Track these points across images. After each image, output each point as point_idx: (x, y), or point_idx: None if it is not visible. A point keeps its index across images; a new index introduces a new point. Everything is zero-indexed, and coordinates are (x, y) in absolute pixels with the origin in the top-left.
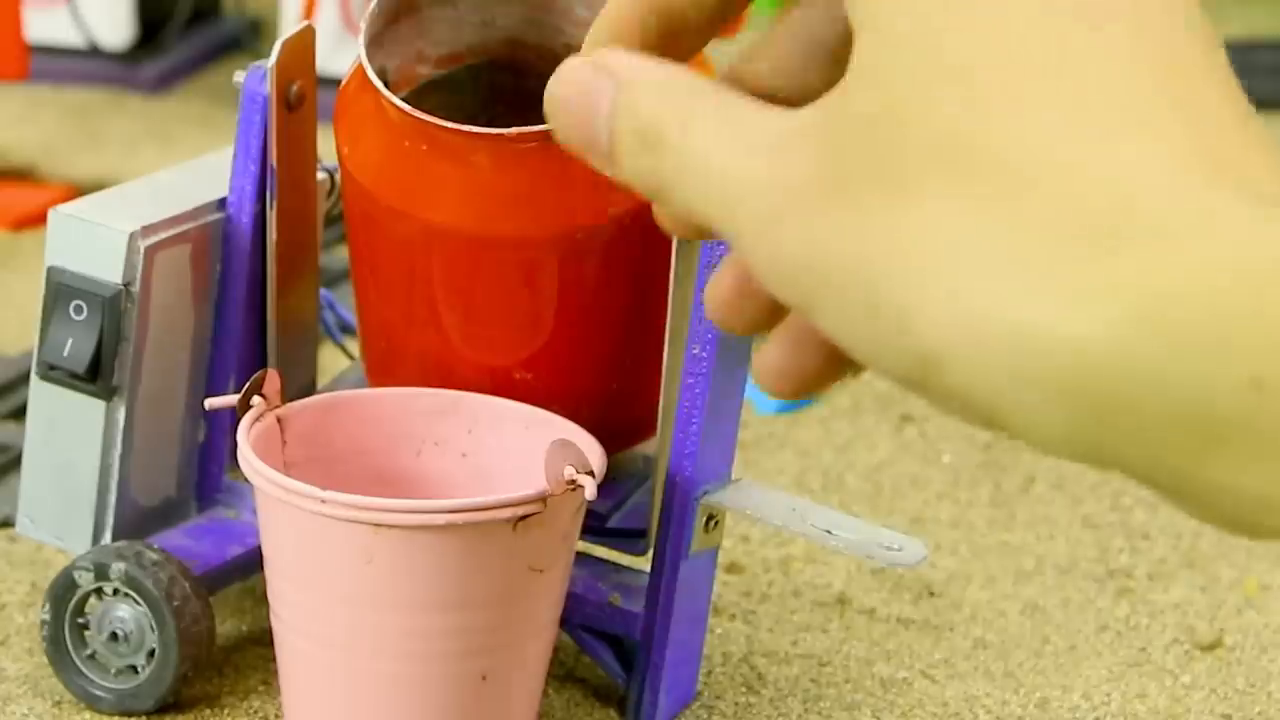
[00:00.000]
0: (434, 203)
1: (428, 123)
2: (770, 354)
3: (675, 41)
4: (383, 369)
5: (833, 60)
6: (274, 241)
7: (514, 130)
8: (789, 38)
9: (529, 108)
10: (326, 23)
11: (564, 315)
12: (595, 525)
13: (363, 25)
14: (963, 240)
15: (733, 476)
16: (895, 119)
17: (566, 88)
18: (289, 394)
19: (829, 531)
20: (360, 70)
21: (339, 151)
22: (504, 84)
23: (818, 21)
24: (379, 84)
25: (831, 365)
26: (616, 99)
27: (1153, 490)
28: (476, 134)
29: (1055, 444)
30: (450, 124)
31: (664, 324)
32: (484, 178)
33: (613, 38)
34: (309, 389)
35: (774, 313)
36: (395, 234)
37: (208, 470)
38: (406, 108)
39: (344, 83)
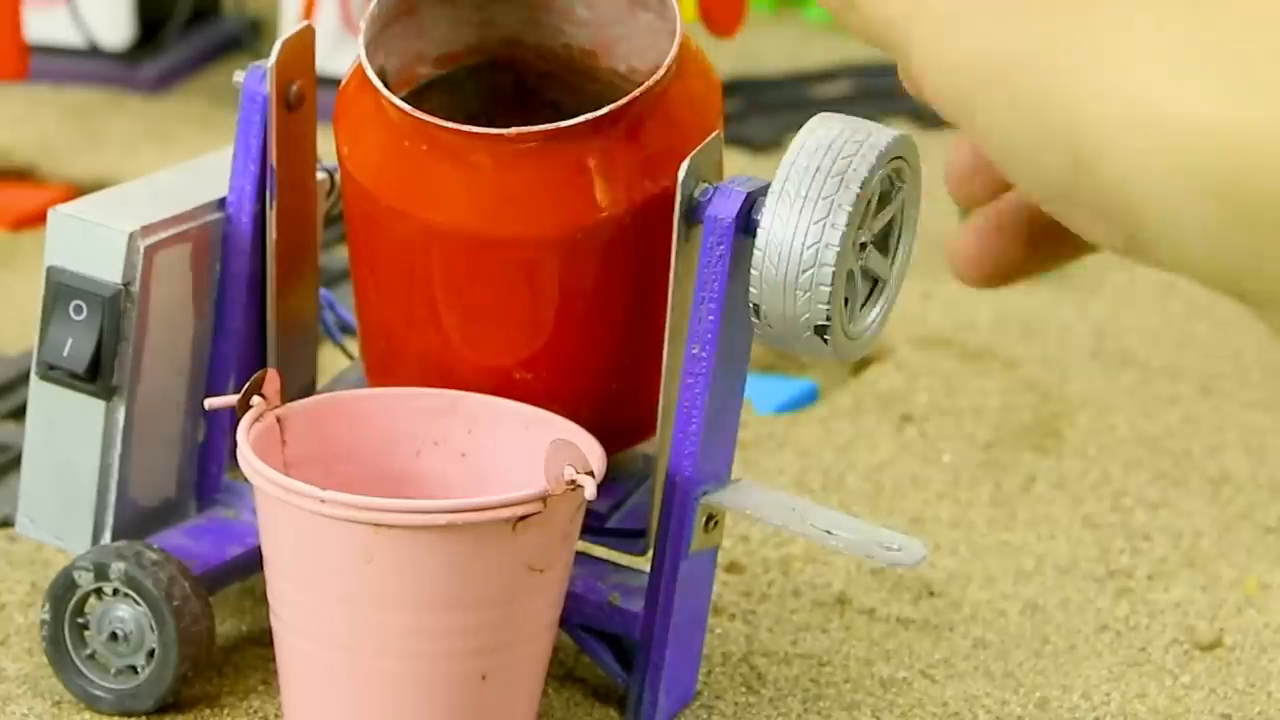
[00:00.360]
0: (434, 203)
1: (428, 123)
2: (966, 239)
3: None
4: (383, 369)
5: None
6: (274, 241)
7: (514, 130)
8: None
9: (529, 108)
10: (326, 23)
11: (564, 315)
12: (595, 525)
13: (362, 25)
14: (1147, 39)
15: (733, 476)
16: None
17: None
18: (289, 394)
19: (829, 531)
20: (360, 70)
21: (339, 151)
22: (504, 84)
23: None
24: (379, 84)
25: (1025, 250)
26: None
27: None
28: (476, 134)
29: (1196, 242)
30: (450, 124)
31: (664, 324)
32: (484, 178)
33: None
34: (309, 389)
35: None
36: (395, 234)
37: (207, 470)
38: (406, 108)
39: (344, 83)
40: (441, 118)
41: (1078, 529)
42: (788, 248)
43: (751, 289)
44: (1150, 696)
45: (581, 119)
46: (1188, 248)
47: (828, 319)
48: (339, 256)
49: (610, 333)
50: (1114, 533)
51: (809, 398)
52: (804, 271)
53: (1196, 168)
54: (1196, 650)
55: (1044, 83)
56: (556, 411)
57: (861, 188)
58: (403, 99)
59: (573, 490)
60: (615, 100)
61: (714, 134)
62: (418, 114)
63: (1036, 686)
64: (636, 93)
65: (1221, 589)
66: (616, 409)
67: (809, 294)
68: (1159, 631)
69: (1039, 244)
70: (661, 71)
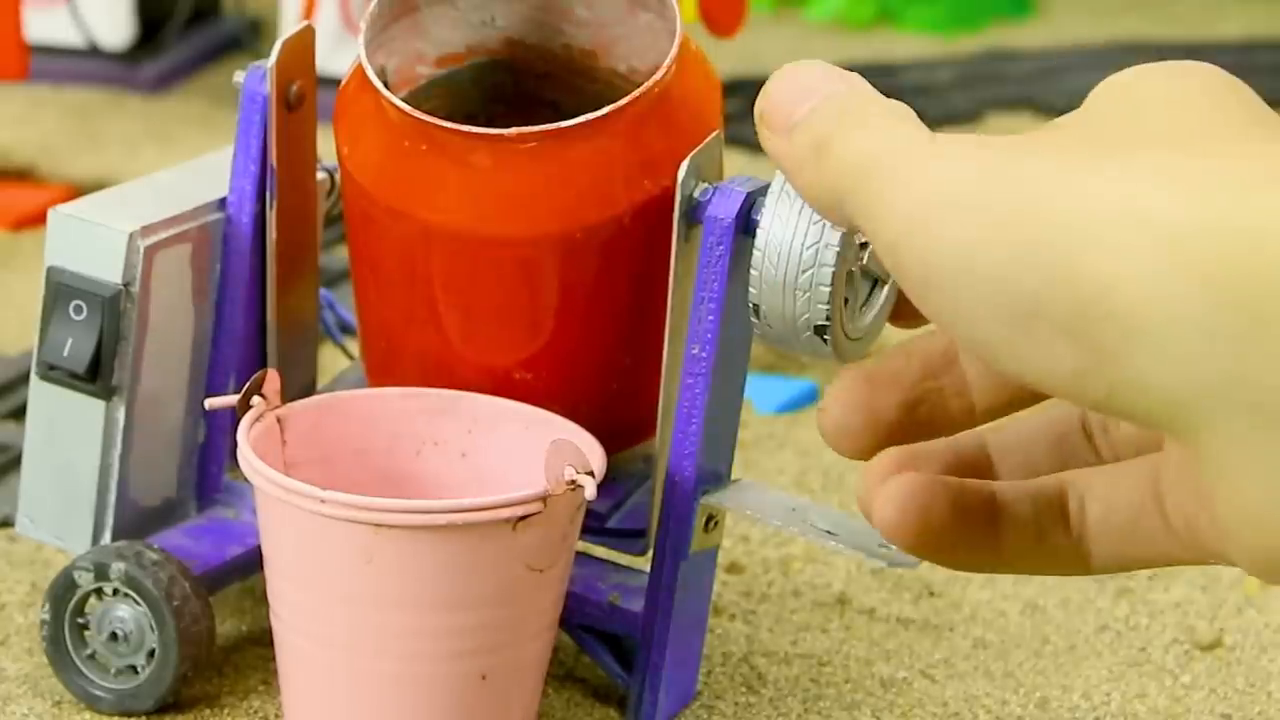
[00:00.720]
0: (433, 203)
1: (427, 123)
2: (840, 404)
3: None
4: (383, 369)
5: None
6: (274, 241)
7: (514, 130)
8: None
9: (529, 107)
10: (326, 23)
11: (564, 315)
12: (595, 525)
13: (362, 25)
14: (1128, 164)
15: (733, 476)
16: (1099, 121)
17: (806, 67)
18: (289, 394)
19: (829, 532)
20: (360, 70)
21: (339, 151)
22: (504, 84)
23: None
24: (379, 84)
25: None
26: (848, 90)
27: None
28: (476, 134)
29: (1174, 336)
30: (450, 124)
31: (664, 324)
32: (484, 178)
33: None
34: (309, 389)
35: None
36: (395, 234)
37: (207, 470)
38: (406, 108)
39: (344, 83)
40: (441, 118)
41: None
42: (787, 248)
43: (751, 289)
44: (1150, 696)
45: (581, 119)
46: (1162, 346)
47: (828, 319)
48: (339, 256)
49: (610, 332)
50: None
51: (809, 398)
52: (804, 271)
53: (1181, 258)
54: (1197, 650)
55: (1025, 199)
56: (556, 411)
57: None
58: (402, 99)
59: (573, 490)
60: (615, 100)
61: (714, 134)
62: (417, 114)
63: (1037, 686)
64: (636, 93)
65: (1221, 589)
66: (617, 409)
67: (809, 294)
68: (1159, 631)
69: (965, 525)
70: (661, 72)
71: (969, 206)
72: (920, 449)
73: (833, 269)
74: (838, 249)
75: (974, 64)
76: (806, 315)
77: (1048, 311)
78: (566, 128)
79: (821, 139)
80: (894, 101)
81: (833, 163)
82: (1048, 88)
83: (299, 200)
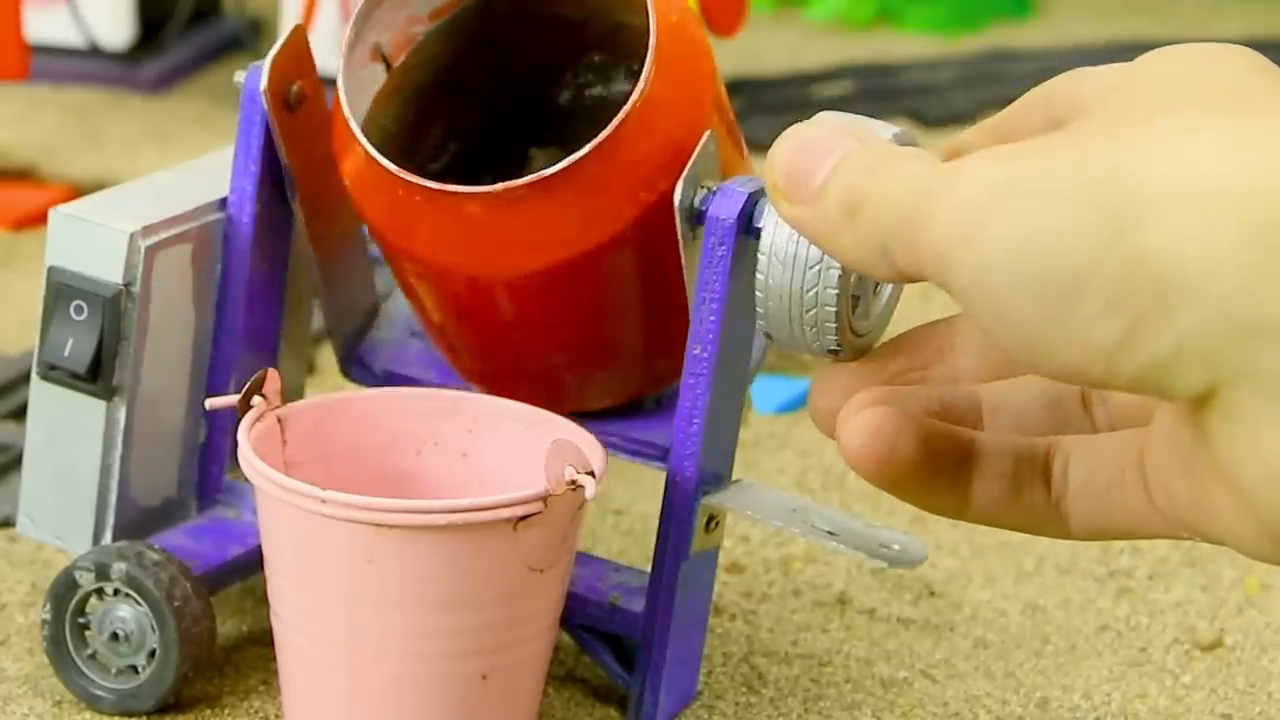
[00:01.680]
0: (433, 246)
1: (414, 183)
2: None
3: None
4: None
5: None
6: (303, 226)
7: (500, 186)
8: None
9: (533, 28)
10: (326, 22)
11: (585, 326)
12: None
13: (340, 69)
14: (1189, 127)
15: (734, 477)
16: (1130, 91)
17: (813, 131)
18: (349, 325)
19: (830, 533)
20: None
21: (348, 187)
22: (491, 31)
23: None
24: (367, 146)
25: (918, 459)
26: (857, 147)
27: None
28: (464, 193)
29: (1227, 292)
30: (434, 185)
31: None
32: (477, 224)
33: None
34: (372, 312)
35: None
36: (403, 266)
37: (208, 470)
38: (392, 168)
39: (335, 121)
40: (442, 70)
41: None
42: (792, 251)
43: (757, 293)
44: (1151, 696)
45: (564, 164)
46: (1204, 298)
47: (836, 319)
48: None
49: (634, 327)
50: None
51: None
52: (810, 269)
53: (1227, 218)
54: (1197, 650)
55: (1090, 166)
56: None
57: None
58: (403, 63)
59: (573, 490)
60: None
61: (706, 136)
62: (404, 175)
63: (1037, 686)
64: (614, 123)
65: (1222, 589)
66: (654, 363)
67: (814, 291)
68: (1160, 631)
69: (930, 467)
70: (636, 96)
71: (1015, 195)
72: (905, 392)
73: (838, 270)
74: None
75: (974, 64)
76: (813, 311)
77: (1093, 286)
78: (550, 175)
79: (852, 200)
80: (910, 147)
81: (869, 217)
82: None
83: (322, 189)
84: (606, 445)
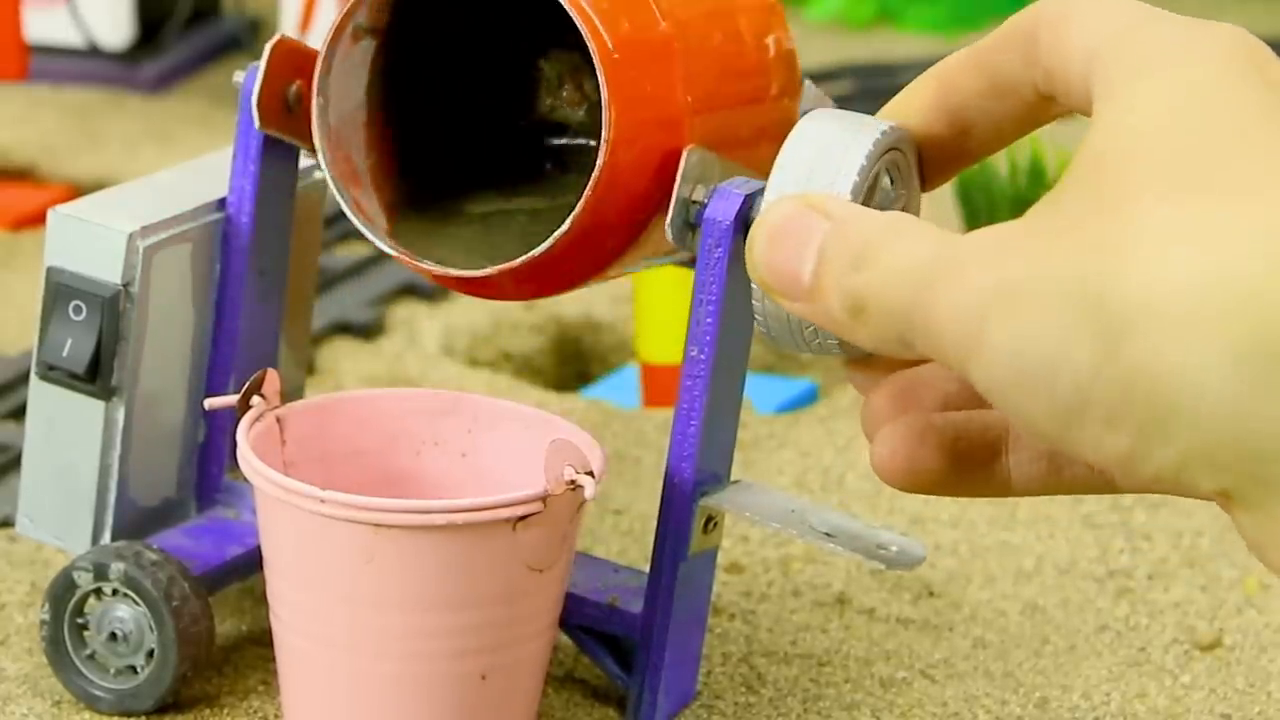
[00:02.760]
0: (463, 290)
1: (415, 265)
2: (884, 442)
3: (961, 139)
4: None
5: None
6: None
7: (493, 269)
8: None
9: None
10: (326, 22)
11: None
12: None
13: (319, 147)
14: (1173, 225)
15: (732, 477)
16: (1116, 164)
17: (779, 219)
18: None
19: (828, 534)
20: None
21: None
22: None
23: None
24: (368, 233)
25: (944, 467)
26: (832, 231)
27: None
28: (460, 278)
29: (1221, 406)
30: (437, 269)
31: None
32: (484, 288)
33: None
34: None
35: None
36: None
37: (208, 470)
38: (391, 252)
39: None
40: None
41: (1077, 529)
42: None
43: (754, 292)
44: (1150, 696)
45: (549, 242)
46: (1203, 426)
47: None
48: (339, 256)
49: None
50: (1114, 532)
51: (809, 397)
52: None
53: (1214, 336)
54: (1196, 650)
55: (1073, 277)
56: None
57: (855, 186)
58: (388, 22)
59: (573, 490)
60: None
61: (685, 153)
62: (403, 257)
63: (1036, 686)
64: (584, 196)
65: (1221, 589)
66: None
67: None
68: (1159, 631)
69: (958, 467)
70: (596, 173)
71: (1008, 306)
72: (920, 378)
73: None
74: None
75: None
76: (816, 342)
77: (1094, 403)
78: (539, 255)
79: (853, 303)
80: (886, 214)
81: (875, 317)
82: None
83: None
84: None
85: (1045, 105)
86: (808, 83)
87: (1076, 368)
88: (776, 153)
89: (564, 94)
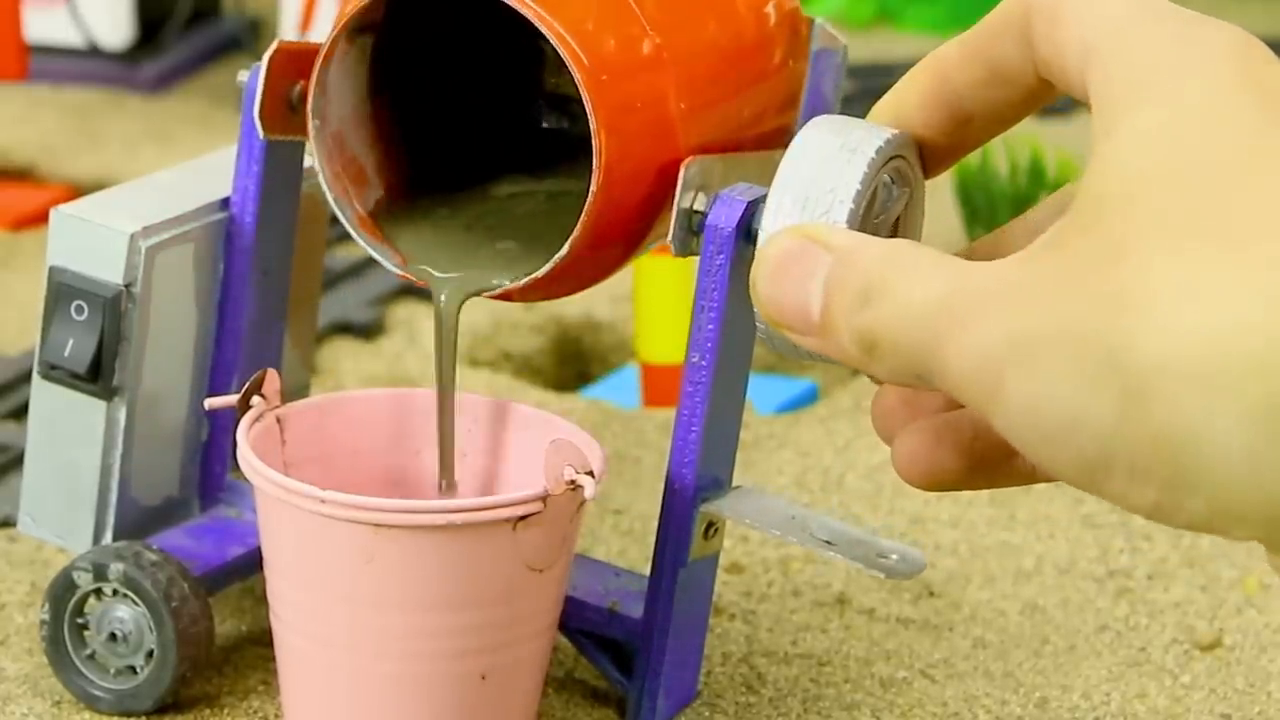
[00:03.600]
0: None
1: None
2: (904, 443)
3: (961, 129)
4: None
5: None
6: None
7: (495, 290)
8: (1025, 234)
9: None
10: (326, 21)
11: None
12: None
13: (319, 164)
14: (1191, 280)
15: (733, 479)
16: (1119, 208)
17: (780, 254)
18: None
19: (828, 542)
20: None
21: None
22: None
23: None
24: (363, 242)
25: (962, 467)
26: (835, 264)
27: None
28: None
29: (1240, 474)
30: (433, 274)
31: None
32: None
33: (896, 120)
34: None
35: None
36: None
37: (211, 470)
38: (392, 268)
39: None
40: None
41: (1077, 529)
42: None
43: (756, 322)
44: (1150, 696)
45: (549, 266)
46: (1229, 485)
47: None
48: (339, 256)
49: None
50: (1114, 532)
51: (809, 398)
52: None
53: (1247, 391)
54: (1196, 650)
55: (1087, 334)
56: None
57: (857, 194)
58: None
59: (573, 490)
60: None
61: (685, 165)
62: (402, 274)
63: (1036, 686)
64: (581, 222)
65: (1221, 589)
66: None
67: None
68: (1159, 631)
69: (977, 466)
70: (590, 200)
71: (1021, 361)
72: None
73: None
74: None
75: None
76: (823, 362)
77: (1117, 460)
78: (541, 276)
79: (865, 341)
80: (887, 243)
81: (889, 354)
82: None
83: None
84: None
85: (1046, 89)
86: (818, 21)
87: (1098, 425)
88: (783, 124)
89: (566, 73)
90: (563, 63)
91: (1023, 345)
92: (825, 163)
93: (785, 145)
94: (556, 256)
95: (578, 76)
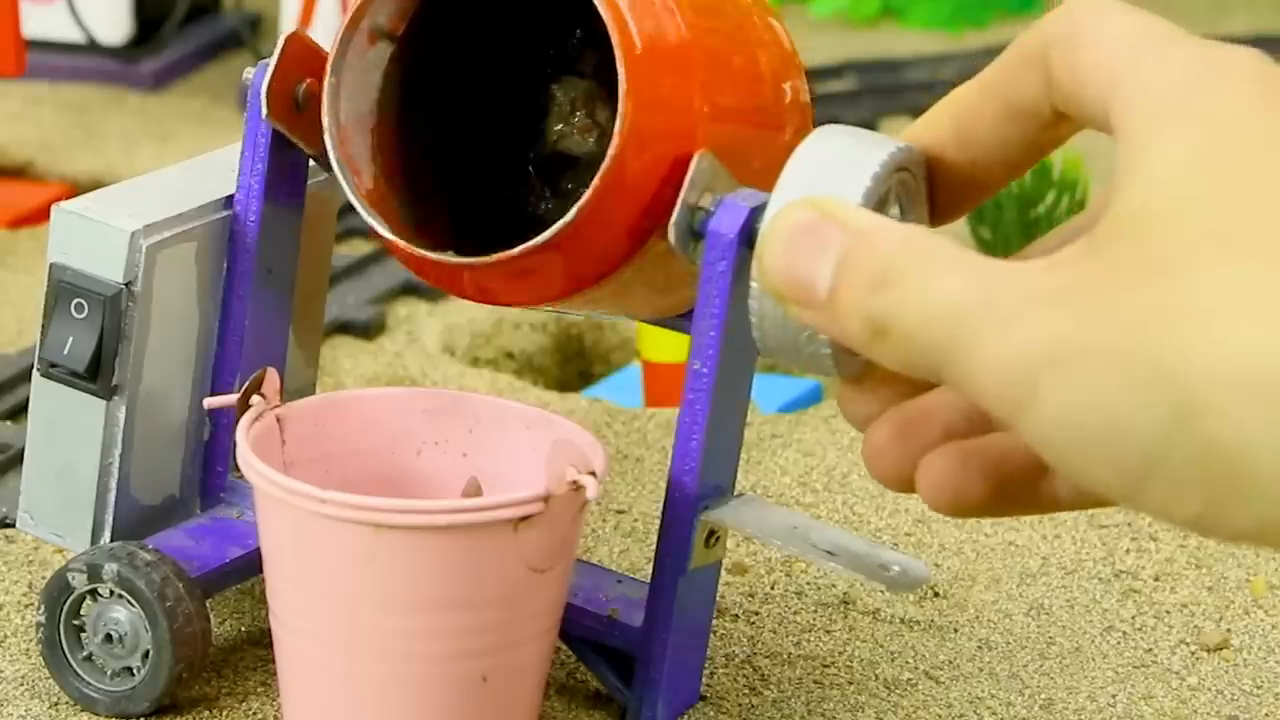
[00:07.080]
0: (457, 290)
1: (419, 254)
2: (930, 467)
3: (977, 170)
4: None
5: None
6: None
7: (493, 257)
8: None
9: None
10: (326, 20)
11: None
12: None
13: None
14: (1246, 297)
15: (736, 480)
16: (1163, 224)
17: (792, 225)
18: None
19: (829, 553)
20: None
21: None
22: None
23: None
24: (372, 221)
25: (989, 492)
26: (851, 243)
27: None
28: (466, 264)
29: None
30: (432, 255)
31: None
32: (489, 278)
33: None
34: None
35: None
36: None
37: (212, 469)
38: (390, 238)
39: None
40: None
41: (1083, 529)
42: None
43: (751, 297)
44: (1157, 698)
45: (553, 231)
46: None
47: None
48: (340, 254)
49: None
50: (1120, 533)
51: (813, 397)
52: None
53: None
54: (1203, 652)
55: (1136, 347)
56: None
57: (867, 192)
58: (405, 30)
59: (574, 490)
60: None
61: (696, 158)
62: (408, 247)
63: (1042, 688)
64: (592, 188)
65: (1228, 590)
66: None
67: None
68: (1165, 633)
69: (1002, 490)
70: (606, 164)
71: (1060, 373)
72: (924, 410)
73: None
74: None
75: (979, 60)
76: (807, 333)
77: (1163, 469)
78: (544, 241)
79: (876, 325)
80: (905, 228)
81: (902, 342)
82: None
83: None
84: None
85: (1063, 125)
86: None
87: (1146, 437)
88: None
89: (576, 120)
90: (574, 109)
91: (1061, 353)
92: (839, 157)
93: None
94: (563, 220)
95: (617, 43)
